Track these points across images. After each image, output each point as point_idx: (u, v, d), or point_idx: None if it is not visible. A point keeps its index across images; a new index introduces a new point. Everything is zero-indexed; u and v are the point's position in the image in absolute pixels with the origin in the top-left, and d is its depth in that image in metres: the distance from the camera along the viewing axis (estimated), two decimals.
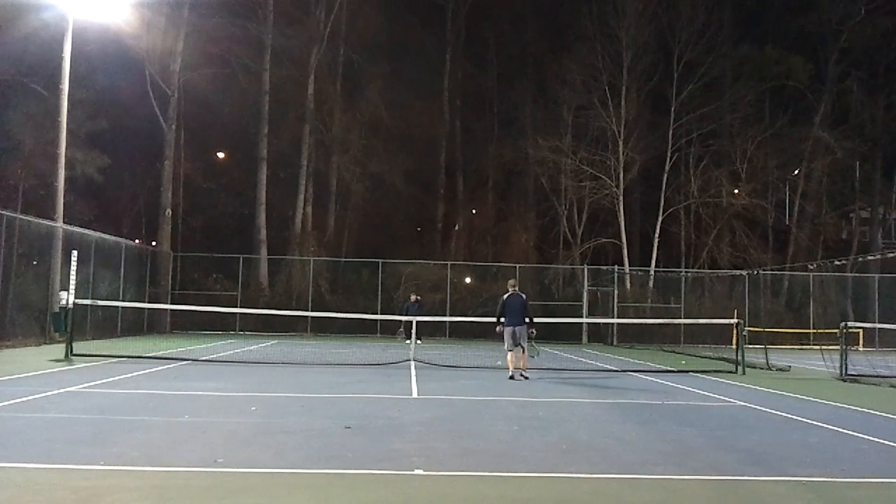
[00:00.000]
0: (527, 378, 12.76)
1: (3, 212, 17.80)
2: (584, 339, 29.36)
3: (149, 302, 25.68)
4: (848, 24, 36.12)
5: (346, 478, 5.47)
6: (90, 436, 6.75)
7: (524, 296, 13.41)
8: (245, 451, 6.25)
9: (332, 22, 33.81)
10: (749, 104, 34.95)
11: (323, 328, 28.72)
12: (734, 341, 17.84)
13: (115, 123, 29.88)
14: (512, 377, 12.76)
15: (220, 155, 38.13)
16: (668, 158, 34.20)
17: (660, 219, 34.06)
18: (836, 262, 25.69)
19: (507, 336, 13.00)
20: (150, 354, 15.84)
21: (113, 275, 23.46)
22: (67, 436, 6.71)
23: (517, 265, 31.25)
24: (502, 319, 13.06)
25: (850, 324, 18.81)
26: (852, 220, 41.28)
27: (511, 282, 13.82)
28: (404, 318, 21.36)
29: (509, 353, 12.98)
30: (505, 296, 13.29)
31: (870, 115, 37.41)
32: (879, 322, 26.53)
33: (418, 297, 24.30)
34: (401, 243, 35.34)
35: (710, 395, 11.54)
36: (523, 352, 13.06)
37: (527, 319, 13.04)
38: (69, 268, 15.48)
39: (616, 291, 30.27)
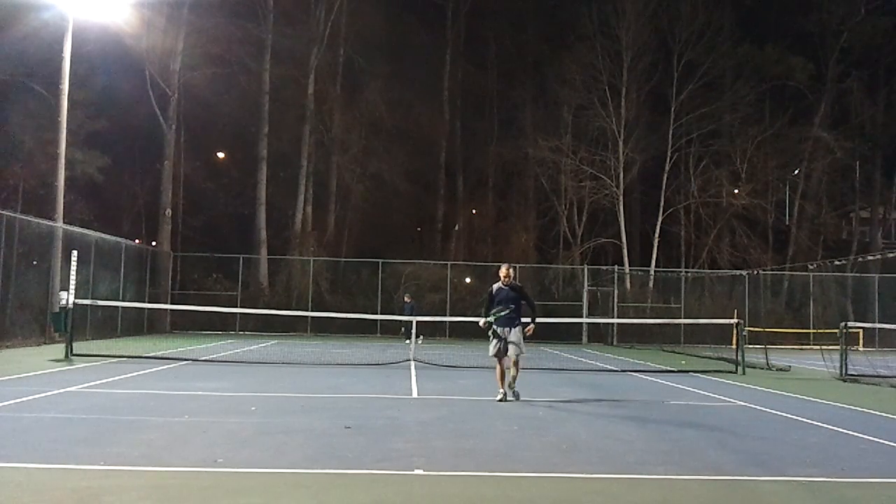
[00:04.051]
0: (516, 397, 9.73)
1: (3, 212, 17.80)
2: (584, 339, 29.37)
3: (149, 302, 25.68)
4: (848, 24, 36.18)
5: (346, 478, 5.47)
6: (90, 436, 6.74)
7: (520, 286, 10.26)
8: (245, 451, 6.25)
9: (332, 22, 33.82)
10: (749, 104, 35.00)
11: (323, 328, 28.72)
12: (734, 341, 17.81)
13: (115, 123, 29.93)
14: (502, 400, 9.62)
15: (220, 155, 38.15)
16: (668, 158, 34.25)
17: (660, 219, 34.11)
18: (836, 262, 25.65)
19: (491, 340, 9.86)
20: (150, 354, 15.84)
21: (113, 275, 23.46)
22: (67, 436, 6.71)
23: (517, 265, 31.27)
24: (490, 319, 9.79)
25: (850, 324, 18.75)
26: (852, 220, 41.31)
27: (503, 268, 9.94)
28: (404, 318, 21.51)
29: (497, 367, 9.83)
30: (494, 286, 10.02)
31: (870, 115, 37.47)
32: (879, 322, 26.50)
33: (410, 299, 24.51)
34: (401, 243, 35.40)
35: (710, 395, 11.54)
36: (514, 362, 9.68)
37: (523, 319, 9.90)
38: (69, 268, 15.47)
39: (616, 291, 30.29)
